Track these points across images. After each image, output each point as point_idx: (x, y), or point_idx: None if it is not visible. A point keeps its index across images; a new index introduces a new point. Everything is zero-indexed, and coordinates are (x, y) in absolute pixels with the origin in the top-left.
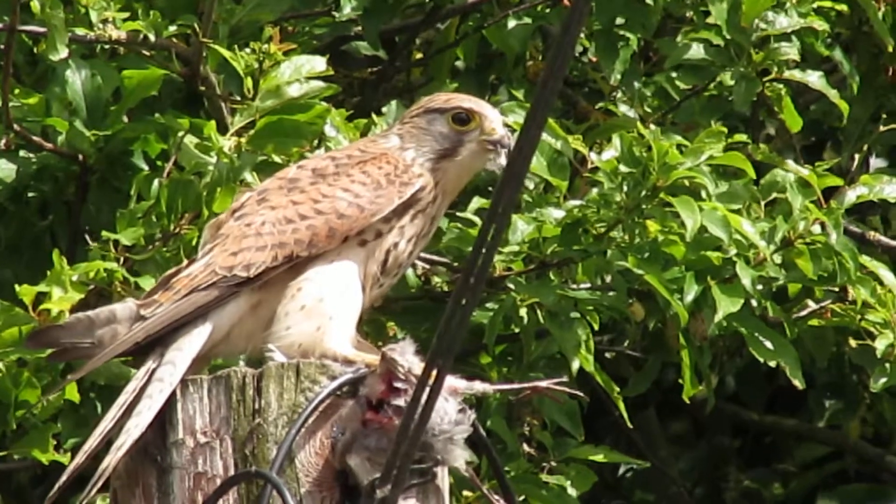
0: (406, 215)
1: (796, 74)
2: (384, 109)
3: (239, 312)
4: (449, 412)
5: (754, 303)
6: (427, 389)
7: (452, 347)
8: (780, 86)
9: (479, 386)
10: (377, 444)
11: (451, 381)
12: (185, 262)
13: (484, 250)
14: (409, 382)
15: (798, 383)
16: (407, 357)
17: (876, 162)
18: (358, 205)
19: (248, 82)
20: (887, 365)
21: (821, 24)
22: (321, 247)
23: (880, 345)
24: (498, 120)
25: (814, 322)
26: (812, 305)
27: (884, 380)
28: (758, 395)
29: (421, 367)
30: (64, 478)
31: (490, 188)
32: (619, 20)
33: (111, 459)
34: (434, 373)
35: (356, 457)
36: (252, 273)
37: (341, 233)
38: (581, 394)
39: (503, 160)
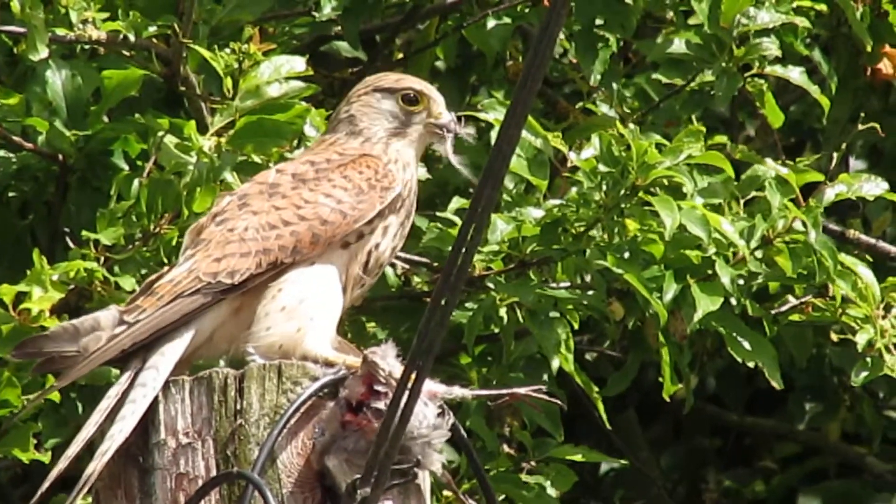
0: (389, 216)
1: (777, 70)
2: None
3: (221, 316)
4: (428, 416)
5: (734, 301)
6: (407, 391)
7: (432, 348)
8: (762, 81)
9: (458, 391)
10: (355, 445)
11: (431, 386)
12: (167, 266)
13: (463, 250)
14: (389, 386)
15: (776, 384)
16: (388, 360)
17: (855, 164)
18: (341, 210)
19: (228, 82)
20: (868, 359)
21: (801, 21)
22: (305, 253)
23: (861, 339)
24: (444, 104)
25: (794, 317)
26: (792, 301)
27: (864, 374)
28: (737, 396)
29: (401, 371)
30: (47, 484)
31: (471, 189)
32: (599, 20)
33: (95, 465)
34: (414, 374)
35: (334, 458)
36: (237, 280)
37: (325, 239)
38: (559, 401)
39: (449, 145)
